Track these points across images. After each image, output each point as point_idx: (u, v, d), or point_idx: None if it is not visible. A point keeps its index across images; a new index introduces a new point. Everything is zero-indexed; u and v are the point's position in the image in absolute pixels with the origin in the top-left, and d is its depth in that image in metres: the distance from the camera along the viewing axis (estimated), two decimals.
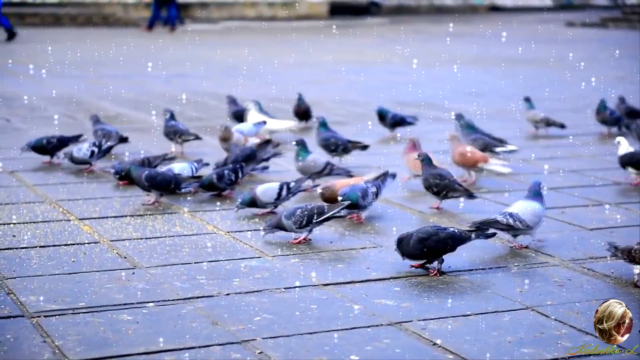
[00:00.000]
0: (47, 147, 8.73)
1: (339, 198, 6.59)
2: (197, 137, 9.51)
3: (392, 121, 10.74)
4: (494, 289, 5.39)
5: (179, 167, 7.74)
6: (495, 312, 5.01)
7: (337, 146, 8.80)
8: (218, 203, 7.43)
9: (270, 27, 32.25)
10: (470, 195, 7.27)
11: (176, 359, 4.35)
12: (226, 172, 7.53)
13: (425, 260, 5.71)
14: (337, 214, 6.37)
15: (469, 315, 4.96)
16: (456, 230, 5.73)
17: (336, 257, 6.00)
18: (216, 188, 7.56)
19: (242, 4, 37.60)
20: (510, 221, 6.12)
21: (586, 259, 6.02)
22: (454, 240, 5.67)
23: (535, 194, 6.40)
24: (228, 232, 6.55)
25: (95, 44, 24.35)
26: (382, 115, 10.79)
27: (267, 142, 8.40)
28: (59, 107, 13.06)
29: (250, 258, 5.93)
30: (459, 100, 14.15)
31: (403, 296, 5.26)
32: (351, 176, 7.71)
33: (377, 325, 4.79)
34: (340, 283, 5.45)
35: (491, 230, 5.89)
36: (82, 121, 11.60)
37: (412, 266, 5.74)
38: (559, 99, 14.14)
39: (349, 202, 6.54)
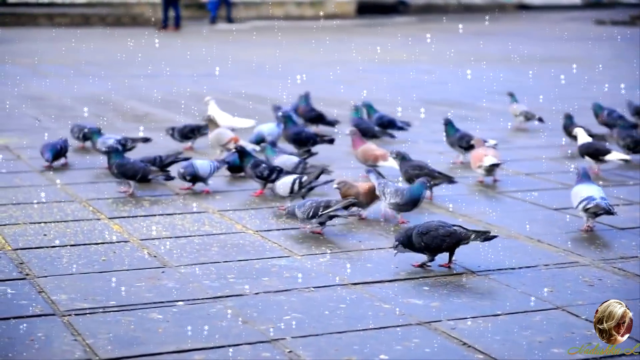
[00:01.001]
0: (62, 152, 8.72)
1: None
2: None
3: (378, 122, 10.36)
4: (524, 288, 5.36)
5: (200, 164, 7.74)
6: (525, 312, 4.99)
7: (309, 140, 9.06)
8: (247, 202, 7.44)
9: (298, 26, 32.28)
10: (450, 181, 7.55)
11: (206, 358, 4.36)
12: (263, 165, 7.55)
13: (430, 259, 5.72)
14: (340, 211, 6.41)
15: (498, 314, 4.94)
16: (457, 229, 5.70)
17: (365, 256, 5.99)
18: (242, 171, 7.69)
19: (270, 3, 37.66)
20: (607, 204, 6.49)
21: (617, 258, 5.98)
22: (453, 238, 5.64)
23: (589, 177, 6.77)
24: (257, 231, 6.56)
25: (123, 43, 24.48)
26: (369, 115, 10.52)
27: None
28: (88, 106, 13.13)
29: (279, 257, 5.93)
30: (487, 99, 14.09)
31: (432, 296, 5.25)
32: (326, 171, 7.81)
33: (406, 325, 4.78)
34: (369, 282, 5.45)
35: (492, 234, 5.81)
36: (112, 121, 11.68)
37: (413, 265, 5.76)
38: (588, 98, 14.03)
39: (355, 200, 6.58)
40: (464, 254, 5.90)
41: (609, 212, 6.47)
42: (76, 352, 4.39)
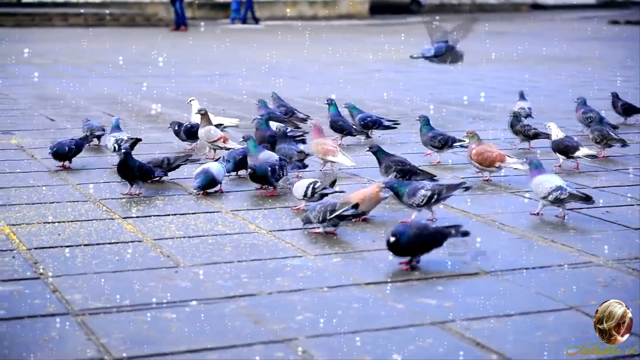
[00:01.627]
0: (68, 154, 8.68)
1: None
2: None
3: (363, 122, 10.27)
4: (537, 288, 5.35)
5: (215, 168, 7.72)
6: (538, 312, 4.98)
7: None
8: (260, 202, 7.45)
9: (311, 26, 32.29)
10: (432, 179, 7.56)
11: (219, 358, 4.37)
12: (277, 167, 7.58)
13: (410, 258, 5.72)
14: (346, 212, 6.40)
15: (512, 315, 4.93)
16: (438, 227, 5.79)
17: (378, 256, 5.98)
18: (267, 182, 7.62)
19: (283, 3, 37.69)
20: (578, 190, 6.87)
21: (631, 258, 5.96)
22: (442, 236, 5.72)
23: (544, 168, 7.11)
24: (270, 231, 6.56)
25: (137, 44, 24.54)
26: (351, 113, 10.46)
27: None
28: (101, 106, 13.18)
29: (292, 257, 5.94)
30: (501, 99, 14.06)
31: (445, 296, 5.24)
32: (304, 167, 8.12)
33: (419, 325, 4.78)
34: (382, 282, 5.45)
35: (463, 229, 5.82)
36: (126, 121, 11.70)
37: (401, 263, 5.75)
38: (602, 98, 14.00)
39: (356, 202, 6.55)
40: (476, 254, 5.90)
41: (586, 197, 6.79)
42: (90, 351, 4.41)
